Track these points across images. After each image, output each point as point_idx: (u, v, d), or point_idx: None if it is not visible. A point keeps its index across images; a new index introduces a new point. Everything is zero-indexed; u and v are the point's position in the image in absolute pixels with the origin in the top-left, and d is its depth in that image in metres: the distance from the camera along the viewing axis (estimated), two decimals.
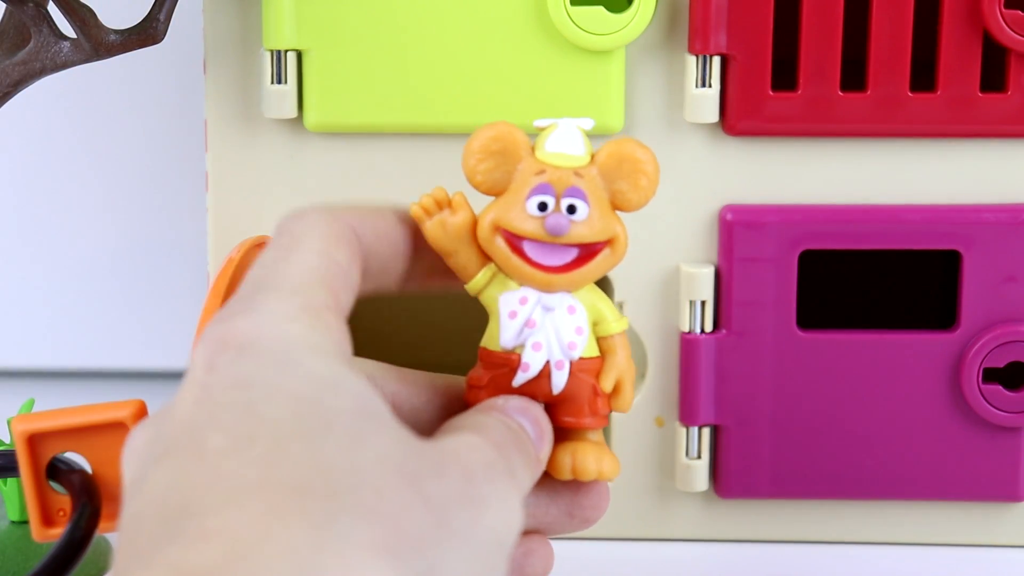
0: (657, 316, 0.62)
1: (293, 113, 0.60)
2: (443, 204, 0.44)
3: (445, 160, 0.61)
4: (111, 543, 0.62)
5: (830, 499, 0.63)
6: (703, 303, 0.61)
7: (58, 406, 0.52)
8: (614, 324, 0.45)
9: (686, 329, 0.61)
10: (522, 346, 0.44)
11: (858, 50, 0.60)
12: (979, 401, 0.61)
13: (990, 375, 0.61)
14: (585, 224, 0.43)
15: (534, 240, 0.43)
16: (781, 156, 0.61)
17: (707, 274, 0.61)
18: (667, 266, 0.62)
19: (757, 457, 0.62)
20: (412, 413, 0.45)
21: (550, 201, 0.43)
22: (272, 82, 0.60)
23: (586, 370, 0.45)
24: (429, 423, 0.45)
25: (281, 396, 0.36)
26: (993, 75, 0.60)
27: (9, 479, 0.60)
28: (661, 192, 0.61)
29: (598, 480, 0.45)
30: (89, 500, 0.51)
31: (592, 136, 0.46)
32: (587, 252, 0.44)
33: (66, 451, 0.52)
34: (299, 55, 0.60)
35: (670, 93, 0.60)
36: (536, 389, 0.44)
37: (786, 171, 0.61)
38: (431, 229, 0.44)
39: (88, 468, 0.52)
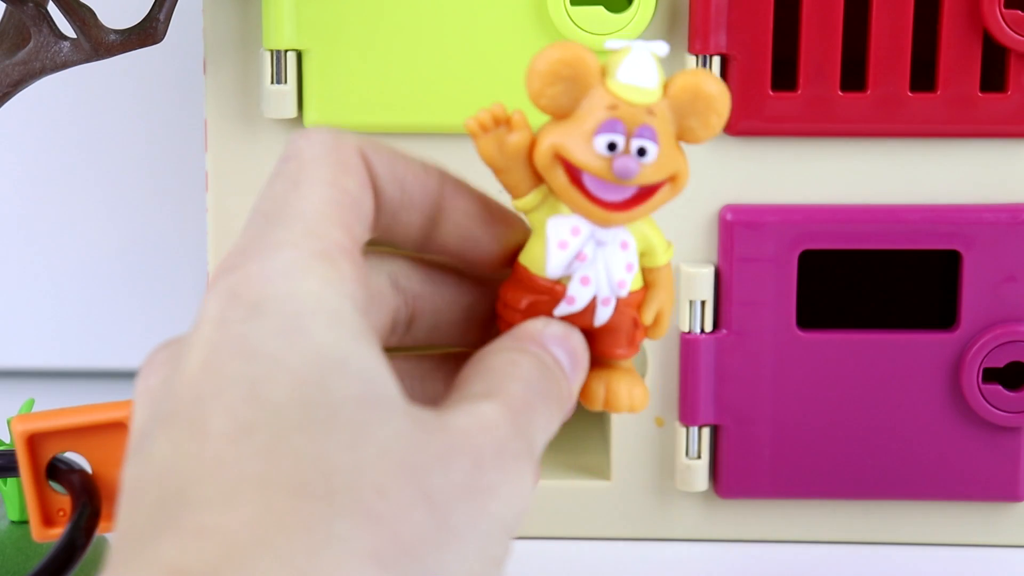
0: None
1: (293, 113, 0.60)
2: (500, 121, 0.42)
3: (445, 159, 0.61)
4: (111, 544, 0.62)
5: (830, 499, 0.63)
6: (703, 303, 0.61)
7: (58, 406, 0.52)
8: (662, 256, 0.43)
9: (686, 329, 0.61)
10: (569, 278, 0.42)
11: (858, 50, 0.60)
12: (979, 401, 0.61)
13: (990, 375, 0.61)
14: (652, 166, 0.41)
15: (596, 175, 0.41)
16: (781, 156, 0.61)
17: (707, 274, 0.61)
18: None
19: (757, 457, 0.62)
20: (434, 314, 0.43)
21: (620, 141, 0.41)
22: (272, 82, 0.60)
23: (630, 304, 0.43)
24: (451, 324, 0.43)
25: (285, 376, 0.35)
26: (993, 75, 0.60)
27: (9, 479, 0.60)
28: None
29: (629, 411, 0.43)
30: (89, 500, 0.51)
31: None
32: (648, 189, 0.41)
33: (66, 451, 0.52)
34: (299, 55, 0.60)
35: None
36: (576, 319, 0.42)
37: (786, 171, 0.61)
38: (485, 145, 0.42)
39: (88, 468, 0.52)
